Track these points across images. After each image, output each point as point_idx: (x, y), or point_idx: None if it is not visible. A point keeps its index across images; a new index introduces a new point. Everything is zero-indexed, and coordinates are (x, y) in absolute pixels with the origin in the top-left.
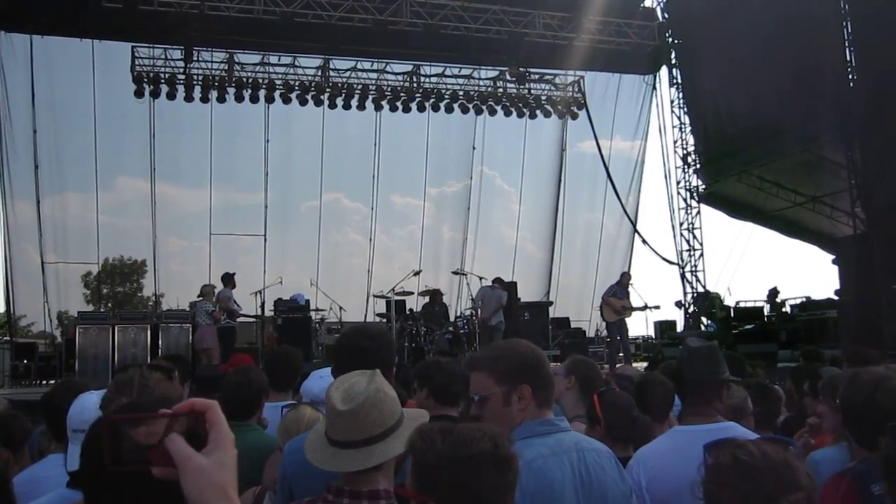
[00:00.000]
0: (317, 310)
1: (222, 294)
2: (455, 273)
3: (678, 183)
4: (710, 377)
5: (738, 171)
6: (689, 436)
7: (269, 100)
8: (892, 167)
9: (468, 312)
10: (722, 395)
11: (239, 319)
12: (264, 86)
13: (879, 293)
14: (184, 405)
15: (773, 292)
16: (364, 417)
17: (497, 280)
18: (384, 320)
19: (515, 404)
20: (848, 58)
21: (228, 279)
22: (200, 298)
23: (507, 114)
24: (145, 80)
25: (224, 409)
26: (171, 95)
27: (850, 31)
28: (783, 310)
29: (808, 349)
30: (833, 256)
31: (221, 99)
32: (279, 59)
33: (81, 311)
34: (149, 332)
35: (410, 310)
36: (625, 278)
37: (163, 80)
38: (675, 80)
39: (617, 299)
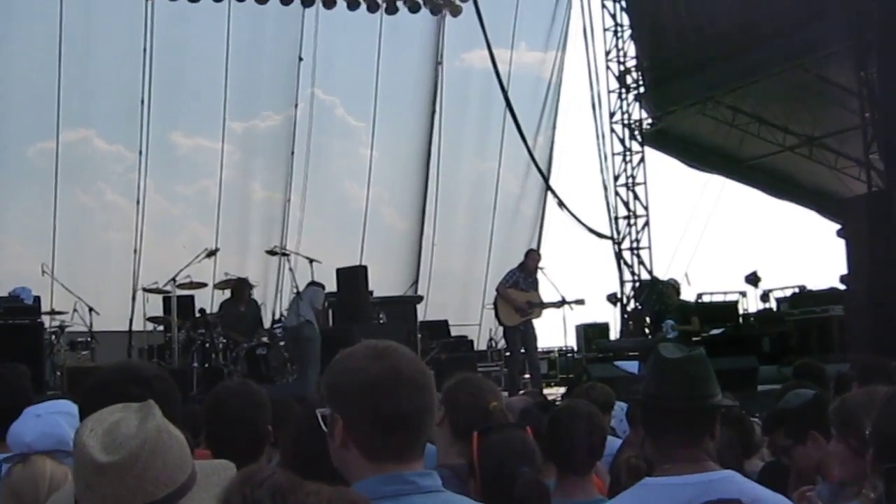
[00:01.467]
0: (53, 312)
1: None
2: (272, 253)
3: (612, 116)
4: (698, 402)
5: (700, 99)
6: (670, 491)
7: None
8: None
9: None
10: (715, 430)
11: None
12: None
13: None
14: None
15: (753, 279)
16: (142, 473)
17: (312, 284)
18: (160, 327)
19: (336, 437)
20: None
21: None
22: None
23: (353, 6)
24: None
25: None
26: None
27: None
28: (767, 306)
29: (802, 363)
30: (839, 226)
31: None
32: None
33: None
34: None
35: (202, 310)
36: (532, 260)
37: None
38: None
39: (520, 291)
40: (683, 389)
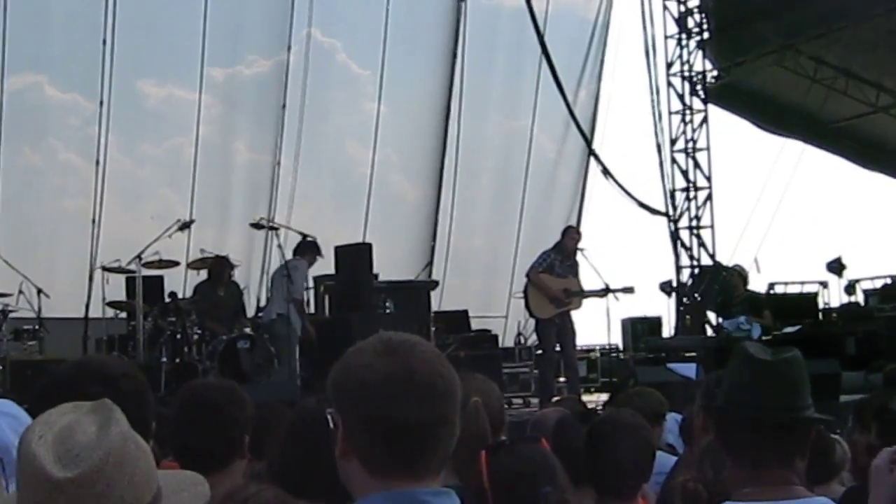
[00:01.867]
0: None
1: None
2: (257, 226)
3: (670, 66)
4: (799, 414)
5: (776, 47)
6: None
7: None
8: None
9: None
10: (806, 448)
11: None
12: None
13: None
14: None
15: (837, 267)
16: (104, 491)
17: (303, 246)
18: (122, 314)
19: (337, 445)
20: None
21: None
22: None
23: None
24: None
25: None
26: None
27: None
28: (852, 299)
29: (894, 369)
30: None
31: None
32: None
33: None
34: None
35: (173, 294)
36: (570, 240)
37: None
38: None
39: (556, 278)
40: (782, 398)
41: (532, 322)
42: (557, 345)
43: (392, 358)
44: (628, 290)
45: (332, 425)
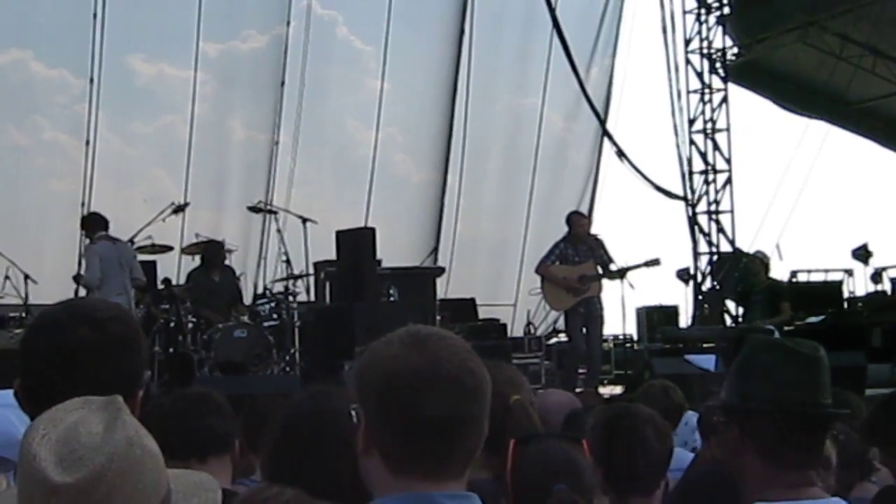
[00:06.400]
0: None
1: None
2: (255, 210)
3: (688, 43)
4: (813, 409)
5: (800, 23)
6: None
7: None
8: None
9: (280, 286)
10: (823, 446)
11: None
12: None
13: None
14: None
15: (863, 254)
16: (104, 499)
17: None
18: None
19: (359, 440)
20: None
21: None
22: None
23: None
24: None
25: None
26: None
27: None
28: (879, 288)
29: None
30: None
31: None
32: None
33: None
34: None
35: (166, 281)
36: (577, 226)
37: None
38: None
39: (571, 266)
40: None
41: (540, 310)
42: (584, 330)
43: (420, 350)
44: (653, 262)
45: (354, 420)
